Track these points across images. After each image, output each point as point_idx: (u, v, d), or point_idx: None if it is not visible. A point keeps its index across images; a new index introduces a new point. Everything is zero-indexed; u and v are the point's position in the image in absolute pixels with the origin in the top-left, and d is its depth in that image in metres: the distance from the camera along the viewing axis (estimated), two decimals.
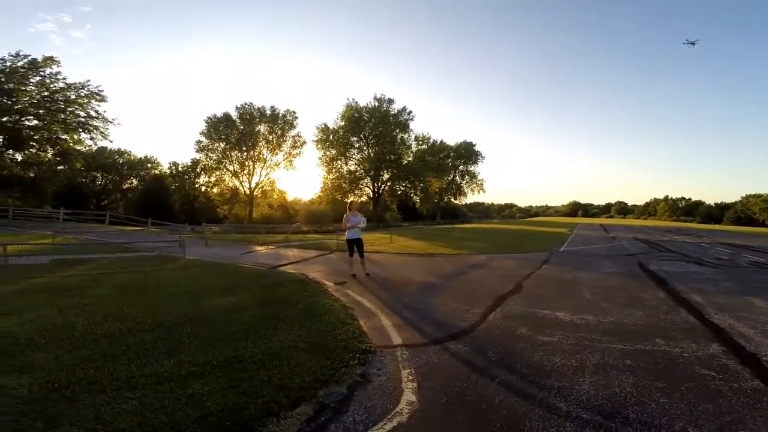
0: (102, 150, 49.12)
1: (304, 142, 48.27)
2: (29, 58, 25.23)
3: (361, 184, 47.24)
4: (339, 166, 46.24)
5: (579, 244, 17.87)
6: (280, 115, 47.41)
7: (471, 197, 68.37)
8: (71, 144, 29.64)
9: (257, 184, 47.99)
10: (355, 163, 46.91)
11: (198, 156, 49.14)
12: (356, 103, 45.34)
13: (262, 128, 47.20)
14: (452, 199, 64.58)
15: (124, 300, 4.88)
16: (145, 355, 3.12)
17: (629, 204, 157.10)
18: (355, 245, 7.65)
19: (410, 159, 48.22)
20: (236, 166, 47.40)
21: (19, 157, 28.31)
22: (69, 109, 27.61)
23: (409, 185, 47.66)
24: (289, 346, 3.48)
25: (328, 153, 45.63)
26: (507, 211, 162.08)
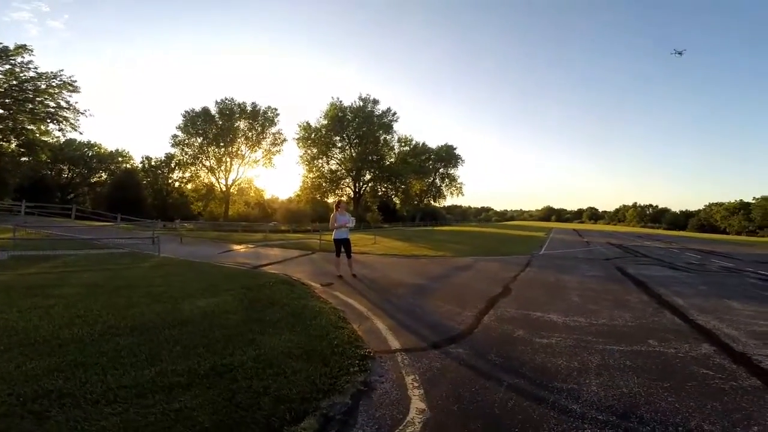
0: (70, 142, 46.71)
1: (285, 140, 47.27)
2: (0, 45, 23.90)
3: (342, 184, 46.73)
4: (320, 165, 45.56)
5: (557, 247, 18.26)
6: (261, 111, 46.14)
7: (450, 200, 69.14)
8: (37, 135, 28.20)
9: (234, 181, 46.66)
10: (337, 163, 46.37)
11: (173, 151, 47.30)
12: (341, 102, 44.82)
13: (242, 124, 45.78)
14: (432, 202, 64.98)
15: (93, 301, 4.43)
16: (122, 363, 2.79)
17: (600, 210, 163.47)
18: (343, 245, 7.41)
19: (392, 160, 48.06)
20: (213, 162, 45.83)
21: None
22: (38, 99, 26.27)
23: (390, 186, 47.54)
24: (281, 352, 3.22)
25: (309, 151, 44.87)
26: (484, 215, 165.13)
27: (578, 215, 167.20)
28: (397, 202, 53.78)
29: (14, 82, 25.02)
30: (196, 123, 43.97)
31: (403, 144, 52.08)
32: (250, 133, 46.17)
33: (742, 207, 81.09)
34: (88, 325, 3.54)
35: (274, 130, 46.99)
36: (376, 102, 45.50)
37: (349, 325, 4.22)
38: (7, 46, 24.21)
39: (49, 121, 27.54)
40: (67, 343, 3.10)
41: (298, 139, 44.89)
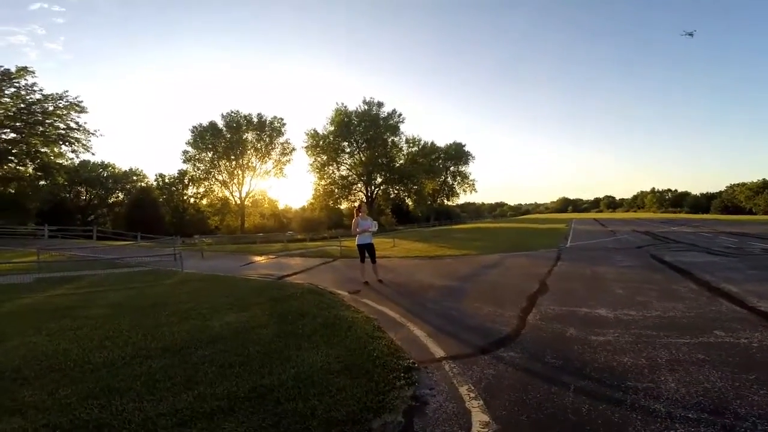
0: (85, 163, 47.83)
1: (294, 149, 47.59)
2: (2, 68, 24.04)
3: (354, 189, 46.65)
4: (331, 171, 45.58)
5: (582, 239, 17.63)
6: (268, 122, 46.58)
7: (463, 198, 68.34)
8: (52, 157, 28.41)
9: (248, 193, 47.11)
10: (347, 168, 46.32)
11: (185, 167, 48.12)
12: (345, 107, 44.81)
13: (250, 136, 46.27)
14: (445, 201, 64.45)
15: (121, 321, 4.31)
16: (157, 387, 2.60)
17: (617, 198, 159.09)
18: (367, 251, 7.18)
19: (402, 161, 47.80)
20: (225, 176, 46.40)
21: None
22: (47, 121, 26.44)
23: (402, 188, 47.21)
24: (321, 368, 2.98)
25: (318, 159, 44.95)
26: (498, 210, 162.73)
27: (595, 204, 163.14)
28: (410, 203, 53.43)
29: (22, 105, 25.09)
30: (205, 137, 44.50)
31: (411, 145, 51.83)
32: (258, 145, 46.58)
33: (767, 186, 77.62)
34: (119, 348, 3.38)
35: (282, 140, 47.43)
36: (380, 105, 45.39)
37: (385, 335, 3.97)
38: (8, 69, 24.29)
39: (61, 142, 27.63)
40: (99, 368, 2.94)
41: (306, 147, 45.03)
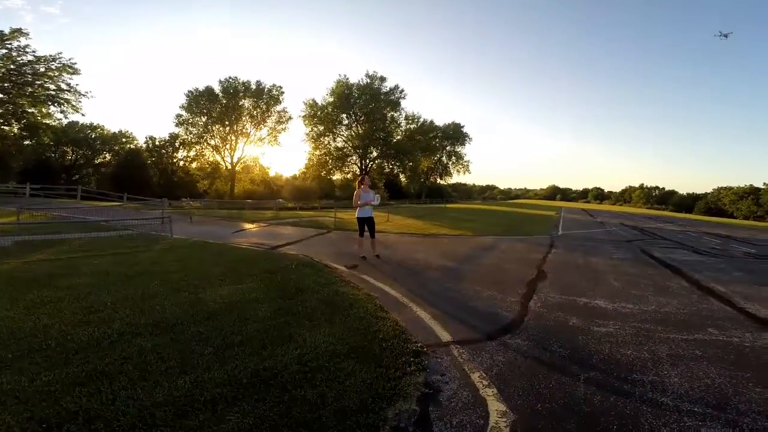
0: (73, 124, 46.26)
1: (290, 118, 46.42)
2: None
3: (349, 161, 46.00)
4: (326, 142, 44.75)
5: (573, 228, 17.75)
6: (266, 89, 45.20)
7: (455, 178, 68.10)
8: (39, 118, 27.97)
9: (239, 159, 46.13)
10: (343, 140, 45.49)
11: (177, 130, 46.64)
12: (347, 79, 43.63)
13: (247, 103, 44.95)
14: (438, 179, 64.17)
15: (106, 292, 4.00)
16: (150, 371, 2.37)
17: (606, 190, 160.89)
18: (366, 224, 6.97)
19: (399, 137, 47.07)
20: (218, 141, 45.20)
21: None
22: (38, 82, 26.04)
23: (397, 164, 46.72)
24: (326, 350, 2.82)
25: (315, 129, 43.93)
26: (488, 193, 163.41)
27: (584, 195, 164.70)
28: (404, 179, 53.06)
29: (12, 67, 24.79)
30: (200, 102, 43.23)
31: (410, 121, 50.93)
32: (254, 112, 45.40)
33: (752, 192, 79.64)
34: (105, 324, 3.11)
35: (279, 108, 46.22)
36: (383, 79, 44.28)
37: (389, 315, 3.82)
38: (2, 31, 23.98)
39: (50, 103, 27.31)
40: (84, 348, 2.67)
41: (304, 116, 43.96)
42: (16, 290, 3.94)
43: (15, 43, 24.45)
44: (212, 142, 45.29)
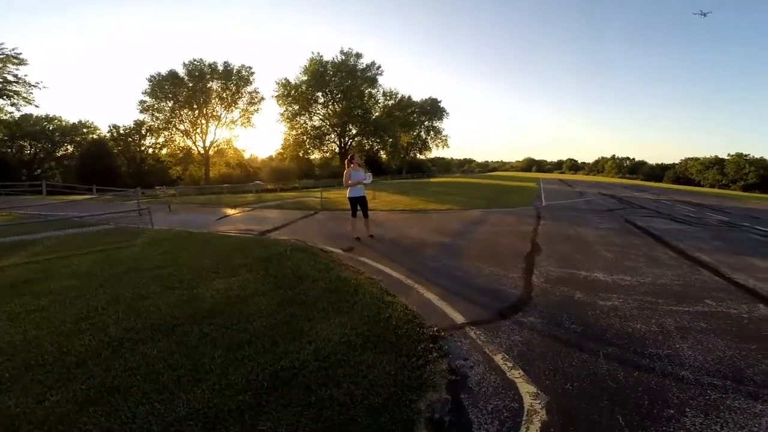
0: (27, 117, 43.12)
1: (263, 98, 44.86)
2: None
3: (327, 140, 45.06)
4: (302, 121, 43.57)
5: (555, 198, 18.04)
6: (235, 70, 43.29)
7: (434, 152, 67.91)
8: None
9: (212, 142, 44.40)
10: (320, 119, 44.38)
11: (142, 117, 44.19)
12: (321, 57, 42.20)
13: (215, 85, 43.01)
14: (417, 155, 63.86)
15: (94, 295, 3.72)
16: (162, 382, 2.18)
17: (579, 161, 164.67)
18: (359, 204, 6.79)
19: (378, 114, 46.28)
20: (187, 125, 43.24)
21: None
22: None
23: (377, 140, 46.11)
24: (341, 342, 2.71)
25: (290, 109, 42.61)
26: (466, 166, 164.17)
27: (558, 166, 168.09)
28: (384, 155, 52.56)
29: None
30: (164, 87, 41.06)
31: (388, 98, 50.03)
32: (224, 94, 43.64)
33: (717, 162, 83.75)
34: (100, 331, 2.87)
35: (250, 89, 44.64)
36: (359, 56, 43.06)
37: (396, 299, 3.74)
38: None
39: None
40: (84, 360, 2.44)
41: (277, 96, 42.52)
42: None
43: None
44: (181, 127, 43.41)
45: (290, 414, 1.91)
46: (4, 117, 28.74)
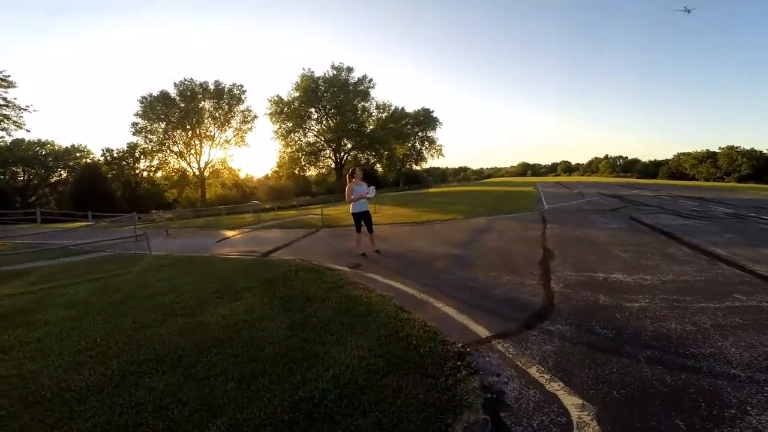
0: (18, 142, 42.98)
1: (255, 116, 45.10)
2: None
3: (322, 156, 45.18)
4: (297, 138, 43.79)
5: (556, 201, 17.93)
6: (226, 89, 43.63)
7: (430, 162, 68.22)
8: None
9: (207, 163, 44.36)
10: (315, 135, 44.58)
11: (135, 139, 44.28)
12: (312, 72, 42.85)
13: (207, 105, 43.32)
14: (413, 165, 64.11)
15: (92, 326, 3.50)
16: (173, 419, 1.98)
17: (573, 163, 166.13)
18: (363, 219, 6.62)
19: (372, 127, 46.60)
20: (181, 147, 43.30)
21: None
22: None
23: (373, 153, 46.30)
24: (361, 367, 2.50)
25: (283, 126, 42.87)
26: (462, 174, 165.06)
27: (553, 169, 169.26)
28: (380, 168, 52.69)
29: None
30: (156, 108, 41.23)
31: (381, 110, 50.45)
32: (217, 113, 43.87)
33: (709, 156, 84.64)
34: (100, 364, 2.65)
35: (242, 107, 44.91)
36: (350, 70, 43.68)
37: (413, 315, 3.53)
38: None
39: None
40: (86, 396, 2.23)
41: (270, 114, 42.81)
42: None
43: None
44: (175, 149, 43.47)
45: None
46: None
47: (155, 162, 46.05)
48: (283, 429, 1.88)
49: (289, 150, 43.69)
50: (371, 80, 44.82)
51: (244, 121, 44.85)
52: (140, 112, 41.28)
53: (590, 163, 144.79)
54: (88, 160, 49.54)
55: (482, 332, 3.16)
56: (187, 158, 43.76)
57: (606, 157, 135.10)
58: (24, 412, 2.10)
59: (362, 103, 45.22)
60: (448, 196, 24.22)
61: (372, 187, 6.72)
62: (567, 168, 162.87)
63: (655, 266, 5.14)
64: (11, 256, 7.94)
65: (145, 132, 42.23)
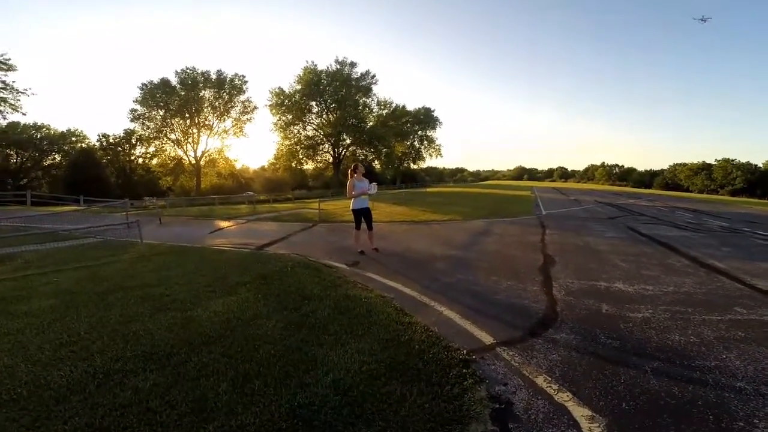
0: (14, 125, 42.08)
1: (255, 107, 44.62)
2: None
3: (321, 150, 44.87)
4: (296, 131, 43.40)
5: (553, 207, 17.94)
6: (228, 79, 43.05)
7: (428, 162, 68.05)
8: None
9: (204, 152, 43.87)
10: (314, 129, 44.25)
11: (132, 126, 43.62)
12: (315, 66, 42.50)
13: (207, 94, 42.74)
14: (412, 164, 63.91)
15: (76, 317, 3.32)
16: (161, 422, 1.83)
17: (569, 169, 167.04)
18: (363, 216, 6.48)
19: (372, 123, 46.32)
20: (179, 135, 42.74)
21: None
22: None
23: (372, 150, 46.04)
24: (361, 371, 2.38)
25: (283, 118, 42.44)
26: (458, 176, 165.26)
27: (549, 174, 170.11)
28: (378, 165, 52.47)
29: None
30: (156, 95, 40.63)
31: (382, 107, 50.19)
32: (216, 103, 43.37)
33: (705, 168, 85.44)
34: (83, 360, 2.48)
35: (243, 98, 44.41)
36: (353, 65, 43.37)
37: (414, 319, 3.41)
38: None
39: None
40: (66, 395, 2.07)
41: (270, 105, 42.35)
42: None
43: None
44: (172, 137, 42.92)
45: None
46: None
47: (151, 149, 45.51)
48: None
49: (287, 142, 43.31)
50: (374, 76, 44.54)
51: (244, 112, 44.45)
52: (139, 99, 40.71)
53: (587, 170, 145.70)
54: (84, 145, 48.81)
55: (486, 339, 3.05)
56: (184, 146, 43.27)
57: (602, 164, 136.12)
58: None
59: (363, 99, 44.89)
60: (446, 197, 24.13)
61: (374, 183, 6.58)
62: (563, 174, 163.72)
63: (655, 277, 5.13)
64: None
65: (143, 119, 41.68)
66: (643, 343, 2.97)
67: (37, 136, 47.40)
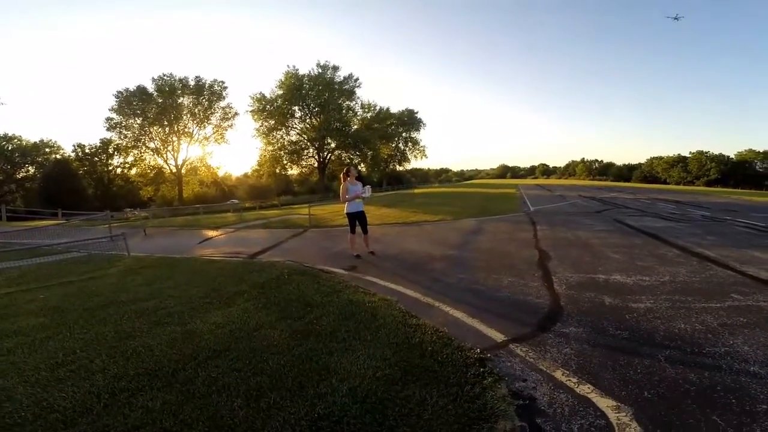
0: None
1: (236, 114, 44.07)
2: None
3: (305, 155, 44.53)
4: (279, 136, 42.98)
5: (540, 203, 18.18)
6: (207, 85, 42.47)
7: (413, 163, 68.44)
8: None
9: (185, 160, 42.97)
10: (297, 133, 43.88)
11: (109, 135, 42.48)
12: (296, 70, 42.17)
13: (186, 100, 42.03)
14: (397, 166, 64.13)
15: (69, 335, 3.15)
16: None
17: (551, 166, 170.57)
18: (358, 220, 6.41)
19: (357, 127, 46.26)
20: (158, 143, 41.80)
21: None
22: None
23: (357, 153, 45.94)
24: (377, 378, 2.32)
25: (265, 124, 42.02)
26: (443, 176, 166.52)
27: (531, 171, 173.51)
28: (364, 169, 52.47)
29: None
30: (132, 103, 39.67)
31: (366, 110, 50.22)
32: (196, 110, 42.64)
33: (680, 161, 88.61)
34: (84, 379, 2.35)
35: (223, 104, 43.89)
36: (336, 68, 43.29)
37: (422, 321, 3.36)
38: None
39: None
40: (72, 417, 1.93)
41: (252, 111, 41.84)
42: None
43: None
44: (151, 145, 41.99)
45: None
46: None
47: (130, 158, 44.42)
48: None
49: (270, 148, 42.86)
50: (357, 79, 44.60)
51: (225, 118, 43.87)
52: (115, 107, 39.69)
53: (567, 166, 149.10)
54: (58, 156, 47.27)
55: (497, 336, 3.03)
56: (164, 155, 42.32)
57: (582, 160, 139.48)
58: None
59: (347, 103, 44.87)
60: (434, 197, 24.26)
61: (368, 186, 6.51)
62: (545, 171, 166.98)
63: (650, 267, 5.20)
64: None
65: (119, 127, 40.61)
66: (652, 333, 3.01)
67: (8, 147, 45.67)
